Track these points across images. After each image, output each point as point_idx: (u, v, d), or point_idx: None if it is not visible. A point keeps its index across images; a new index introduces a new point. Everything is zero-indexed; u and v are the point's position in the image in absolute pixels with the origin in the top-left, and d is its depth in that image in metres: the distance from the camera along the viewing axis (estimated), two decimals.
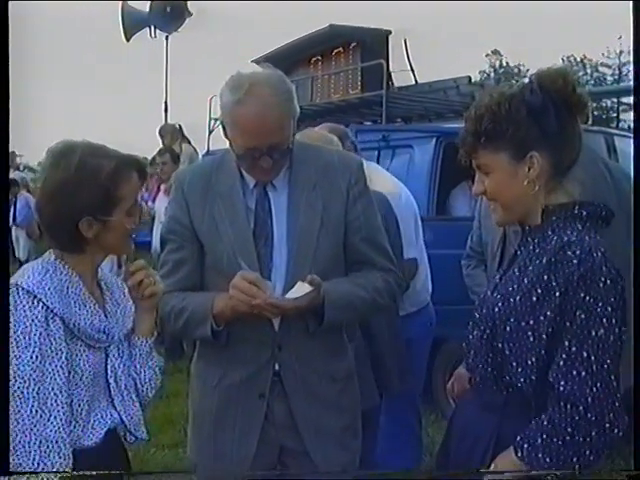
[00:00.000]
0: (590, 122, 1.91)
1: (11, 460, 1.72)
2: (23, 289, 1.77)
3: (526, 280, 1.70)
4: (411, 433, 3.72)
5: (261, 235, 2.20)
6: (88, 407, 1.87)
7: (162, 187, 6.90)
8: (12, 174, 16.57)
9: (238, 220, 2.20)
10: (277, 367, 2.21)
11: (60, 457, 1.75)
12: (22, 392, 1.73)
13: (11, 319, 1.74)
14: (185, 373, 4.61)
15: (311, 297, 2.09)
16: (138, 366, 2.01)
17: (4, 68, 1.74)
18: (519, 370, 1.70)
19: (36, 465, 1.72)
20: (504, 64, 50.86)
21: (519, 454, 1.66)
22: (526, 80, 1.81)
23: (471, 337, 1.84)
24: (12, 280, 1.80)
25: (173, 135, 8.54)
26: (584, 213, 1.73)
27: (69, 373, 1.80)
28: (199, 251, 2.25)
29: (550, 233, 1.72)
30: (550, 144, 1.72)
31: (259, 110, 2.05)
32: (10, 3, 1.75)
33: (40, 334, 1.75)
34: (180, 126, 8.78)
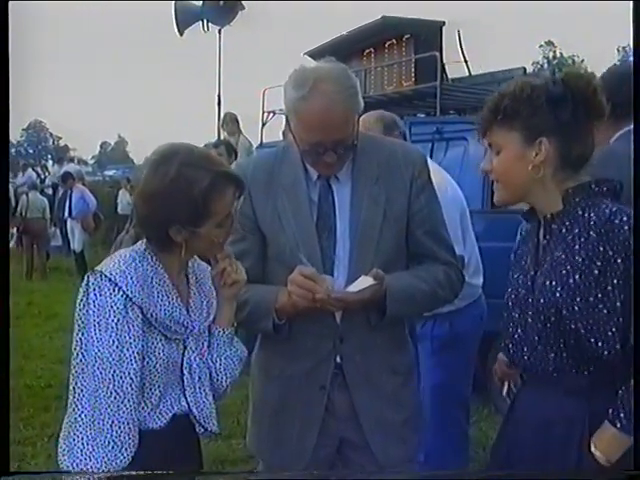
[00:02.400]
0: None
1: (84, 437, 1.78)
2: (105, 276, 1.82)
3: (579, 258, 1.72)
4: (459, 429, 3.66)
5: (324, 228, 2.19)
6: (160, 393, 1.91)
7: None
8: (67, 167, 16.86)
9: (301, 212, 2.20)
10: (338, 359, 2.21)
11: (129, 438, 1.81)
12: (100, 373, 1.78)
13: (94, 304, 1.80)
14: None
15: (374, 290, 2.08)
16: (215, 355, 2.04)
17: (4, 68, 1.76)
18: (599, 344, 1.71)
19: (107, 442, 1.78)
20: (557, 55, 50.14)
21: (618, 425, 1.67)
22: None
23: (521, 332, 1.83)
24: (98, 267, 1.86)
25: (235, 125, 8.59)
26: (605, 189, 1.78)
27: (143, 359, 1.85)
28: (261, 242, 2.25)
29: (581, 212, 1.76)
30: (561, 134, 1.78)
31: (324, 107, 2.03)
32: (10, 3, 1.77)
33: (118, 321, 1.80)
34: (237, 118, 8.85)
